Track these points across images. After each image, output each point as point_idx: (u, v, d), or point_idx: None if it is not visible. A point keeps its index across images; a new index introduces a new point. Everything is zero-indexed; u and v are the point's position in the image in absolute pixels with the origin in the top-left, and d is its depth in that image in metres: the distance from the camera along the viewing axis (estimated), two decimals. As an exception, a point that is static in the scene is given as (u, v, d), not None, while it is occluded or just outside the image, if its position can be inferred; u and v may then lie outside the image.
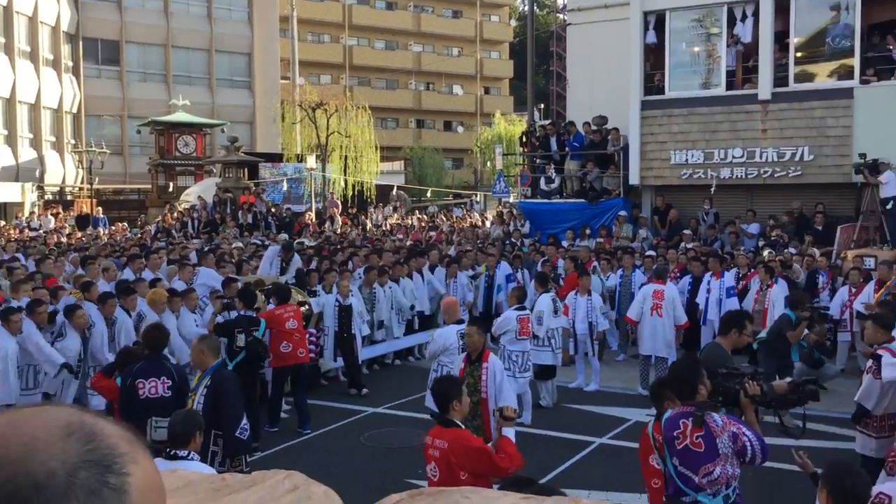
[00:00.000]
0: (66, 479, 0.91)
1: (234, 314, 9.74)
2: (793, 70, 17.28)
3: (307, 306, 11.90)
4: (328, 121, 33.68)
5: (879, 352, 6.88)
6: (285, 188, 32.48)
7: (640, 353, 11.95)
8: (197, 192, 30.07)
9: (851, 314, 12.01)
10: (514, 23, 66.29)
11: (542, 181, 20.25)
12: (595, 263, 14.62)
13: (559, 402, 11.13)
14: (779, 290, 12.03)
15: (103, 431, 0.97)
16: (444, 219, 32.80)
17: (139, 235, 24.54)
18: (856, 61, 16.62)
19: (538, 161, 20.81)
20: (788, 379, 5.56)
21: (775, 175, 17.35)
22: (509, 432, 5.42)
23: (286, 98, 37.70)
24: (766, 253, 14.66)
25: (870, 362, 6.98)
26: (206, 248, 17.14)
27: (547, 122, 24.47)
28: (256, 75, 45.13)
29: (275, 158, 35.39)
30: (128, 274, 12.53)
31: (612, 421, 10.17)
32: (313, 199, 31.86)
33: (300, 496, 2.77)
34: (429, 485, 5.43)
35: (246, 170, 31.08)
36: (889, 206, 14.58)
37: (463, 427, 5.44)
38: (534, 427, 9.94)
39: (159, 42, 43.35)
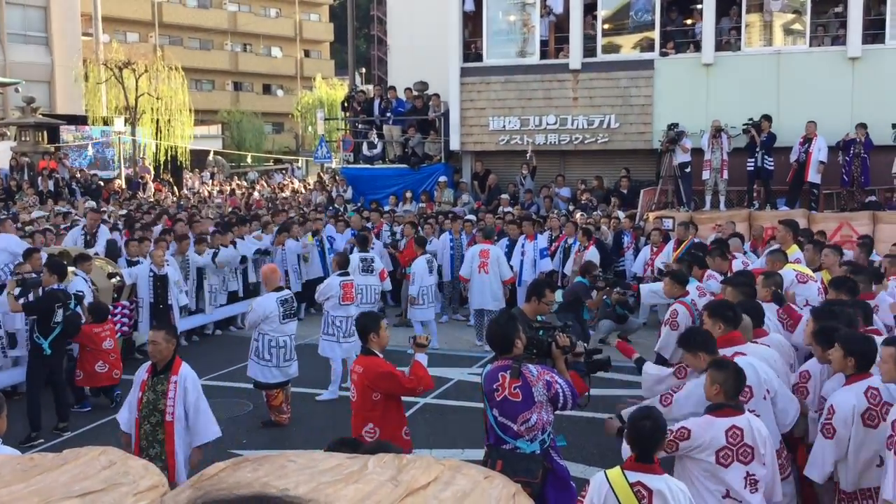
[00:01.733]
0: None
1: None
2: (600, 41, 18.21)
3: (118, 278, 11.33)
4: (137, 81, 31.84)
5: (675, 305, 7.49)
6: (90, 153, 30.46)
7: (471, 308, 12.70)
8: (-11, 157, 27.55)
9: (653, 272, 12.94)
10: (333, -15, 65.24)
11: (365, 146, 20.23)
12: (419, 228, 14.90)
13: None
14: (594, 251, 12.91)
15: None
16: (265, 185, 32.06)
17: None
18: (656, 34, 17.76)
19: (360, 126, 20.75)
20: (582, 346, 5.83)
21: (585, 141, 18.29)
22: (421, 358, 6.05)
23: (89, 56, 35.21)
24: (578, 216, 15.48)
25: (668, 315, 7.57)
26: (2, 217, 15.80)
27: (369, 86, 24.40)
28: (54, 31, 41.63)
29: (78, 121, 33.00)
30: None
31: (436, 381, 10.37)
32: (122, 165, 30.17)
33: (117, 471, 2.68)
34: (352, 405, 6.02)
35: (45, 133, 28.82)
36: (687, 171, 15.77)
37: (380, 356, 6.03)
38: (360, 391, 10.03)
39: (-63, -10, 38.99)
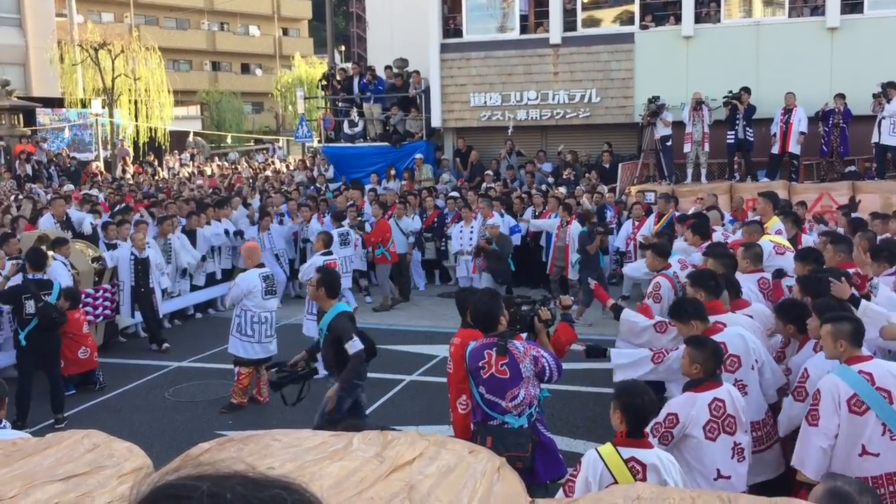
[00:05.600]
0: None
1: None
2: (580, 15, 18.14)
3: (100, 262, 11.25)
4: (113, 62, 31.44)
5: (657, 278, 7.53)
6: (66, 135, 30.14)
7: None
8: (-36, 142, 27.15)
9: (636, 246, 13.00)
10: (310, -39, 64.43)
11: (346, 125, 20.11)
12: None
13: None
14: (576, 226, 12.97)
15: None
16: (246, 165, 31.85)
17: None
18: (636, 7, 17.70)
19: (340, 104, 20.61)
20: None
21: (567, 116, 18.26)
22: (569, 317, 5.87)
23: (64, 38, 34.67)
24: (560, 190, 15.51)
25: (650, 288, 7.61)
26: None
27: (349, 64, 24.22)
28: (27, 12, 40.94)
29: (55, 104, 32.57)
30: None
31: (422, 358, 10.47)
32: (100, 147, 29.87)
33: (101, 454, 2.67)
34: (448, 378, 5.67)
35: (21, 116, 28.47)
36: (668, 144, 15.80)
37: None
38: (345, 369, 10.04)
39: None
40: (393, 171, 18.62)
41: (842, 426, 4.54)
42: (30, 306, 8.47)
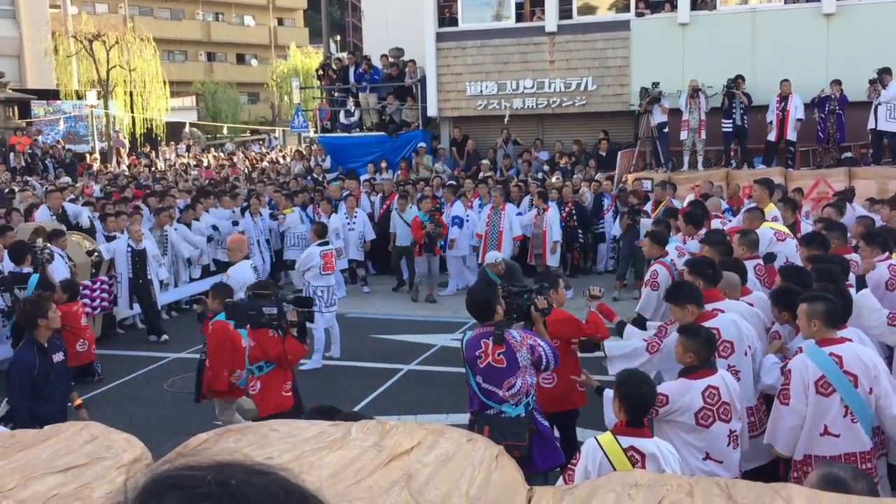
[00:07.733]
0: None
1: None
2: (576, 3, 18.07)
3: (97, 254, 11.24)
4: (108, 54, 31.32)
5: (655, 266, 7.53)
6: (61, 126, 30.04)
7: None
8: (-42, 134, 27.07)
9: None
10: (305, -49, 64.00)
11: (342, 115, 20.06)
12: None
13: (367, 333, 11.31)
14: (553, 214, 13.09)
15: None
16: (242, 156, 31.78)
17: None
18: (632, -6, 17.65)
19: (336, 94, 20.56)
20: None
21: (563, 105, 18.22)
22: (594, 307, 6.31)
23: (58, 29, 34.53)
24: (554, 179, 15.50)
25: (647, 275, 7.61)
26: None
27: (344, 54, 24.12)
28: (21, 3, 40.70)
29: (49, 95, 32.48)
30: None
31: (419, 348, 10.48)
32: (96, 139, 29.80)
33: (100, 445, 2.68)
34: None
35: (16, 108, 28.39)
36: (665, 131, 15.76)
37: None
38: (343, 360, 10.06)
39: None
40: (384, 164, 18.48)
41: (808, 406, 4.63)
42: (6, 299, 8.41)
